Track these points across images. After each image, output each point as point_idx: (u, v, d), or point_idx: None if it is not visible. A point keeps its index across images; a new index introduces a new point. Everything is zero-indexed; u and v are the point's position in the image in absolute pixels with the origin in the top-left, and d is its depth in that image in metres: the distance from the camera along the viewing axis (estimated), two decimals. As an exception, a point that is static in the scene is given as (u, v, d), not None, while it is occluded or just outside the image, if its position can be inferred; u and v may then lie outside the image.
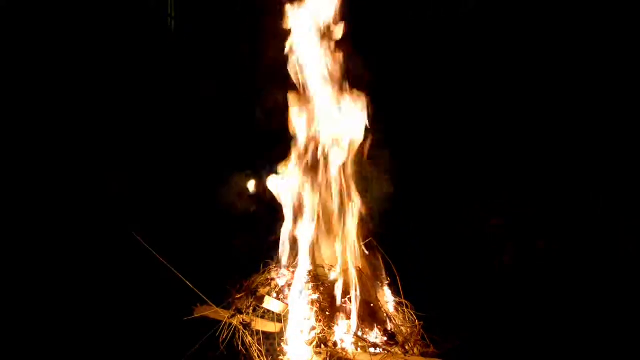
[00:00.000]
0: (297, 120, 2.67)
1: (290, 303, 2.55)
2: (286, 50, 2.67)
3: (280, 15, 2.63)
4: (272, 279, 2.71)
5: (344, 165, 2.67)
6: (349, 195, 2.67)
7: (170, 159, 4.19)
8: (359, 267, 2.62)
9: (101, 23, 4.24)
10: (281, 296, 2.62)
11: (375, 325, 2.54)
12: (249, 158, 4.16)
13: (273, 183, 2.75)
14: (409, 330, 2.59)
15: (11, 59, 3.85)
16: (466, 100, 4.23)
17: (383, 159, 2.96)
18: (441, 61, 4.30)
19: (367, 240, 2.73)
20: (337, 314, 2.51)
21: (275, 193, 2.75)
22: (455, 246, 3.83)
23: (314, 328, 2.48)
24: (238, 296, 2.59)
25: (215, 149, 4.28)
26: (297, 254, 2.69)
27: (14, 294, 3.09)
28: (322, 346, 2.39)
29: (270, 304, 2.58)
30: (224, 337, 2.50)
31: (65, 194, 3.74)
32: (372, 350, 2.42)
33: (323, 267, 2.67)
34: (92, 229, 3.59)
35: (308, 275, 2.60)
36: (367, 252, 2.72)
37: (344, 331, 2.46)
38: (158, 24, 4.67)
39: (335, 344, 2.41)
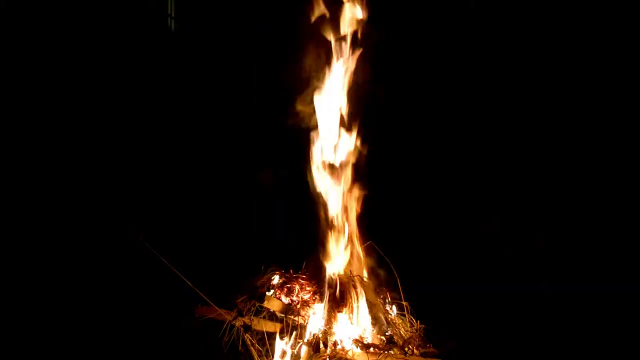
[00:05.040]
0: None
1: (290, 304, 2.57)
2: None
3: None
4: (274, 280, 2.72)
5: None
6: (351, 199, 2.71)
7: (171, 159, 4.19)
8: (359, 269, 2.64)
9: (101, 23, 4.24)
10: (282, 296, 2.64)
11: (375, 327, 2.56)
12: (248, 158, 4.18)
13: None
14: (408, 332, 2.60)
15: (11, 59, 3.86)
16: (465, 100, 4.23)
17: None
18: (439, 60, 4.31)
19: (367, 243, 2.75)
20: (338, 315, 2.53)
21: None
22: (455, 246, 3.84)
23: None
24: (240, 297, 2.60)
25: (215, 149, 4.29)
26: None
27: (17, 296, 3.10)
28: (322, 346, 2.40)
29: (271, 303, 2.59)
30: (225, 338, 2.51)
31: (65, 194, 3.74)
32: (371, 351, 2.43)
33: (326, 270, 2.68)
34: (93, 229, 3.60)
35: (310, 277, 2.62)
36: (367, 254, 2.74)
37: (344, 332, 2.48)
38: (158, 24, 4.66)
39: (335, 344, 2.43)
